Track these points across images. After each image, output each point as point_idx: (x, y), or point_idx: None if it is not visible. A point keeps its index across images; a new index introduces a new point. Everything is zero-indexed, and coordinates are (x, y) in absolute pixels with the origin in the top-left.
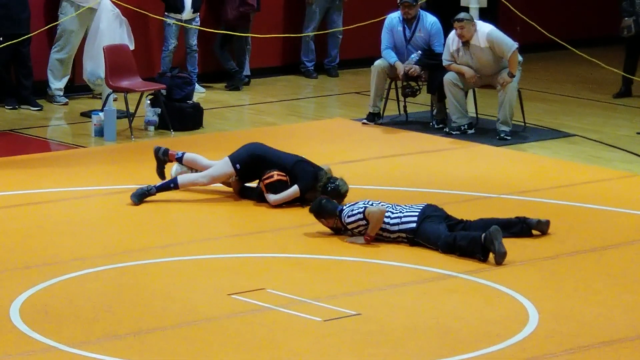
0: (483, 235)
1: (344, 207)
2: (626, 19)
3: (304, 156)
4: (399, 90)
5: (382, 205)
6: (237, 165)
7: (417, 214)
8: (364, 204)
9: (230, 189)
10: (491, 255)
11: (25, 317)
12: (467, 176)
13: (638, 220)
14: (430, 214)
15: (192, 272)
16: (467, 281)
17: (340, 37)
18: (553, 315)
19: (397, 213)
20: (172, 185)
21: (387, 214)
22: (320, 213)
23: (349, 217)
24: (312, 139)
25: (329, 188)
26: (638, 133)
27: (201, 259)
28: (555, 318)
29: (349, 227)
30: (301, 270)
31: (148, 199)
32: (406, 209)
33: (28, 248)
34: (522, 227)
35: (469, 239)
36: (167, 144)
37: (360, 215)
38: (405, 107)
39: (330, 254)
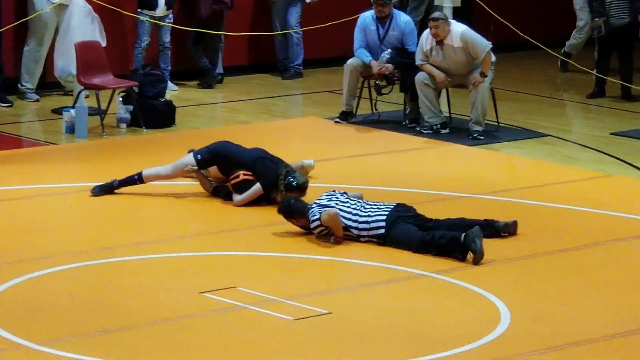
0: (464, 234)
1: (310, 207)
2: (596, 19)
3: (268, 152)
4: (372, 89)
5: (338, 199)
6: (198, 156)
7: (385, 216)
8: (319, 208)
9: (202, 189)
10: (469, 255)
11: None
12: (440, 175)
13: (610, 220)
14: (399, 215)
15: (163, 270)
16: (439, 281)
17: (296, 35)
18: (525, 315)
19: (364, 215)
20: (136, 177)
21: (354, 215)
22: (289, 213)
23: (311, 222)
24: (285, 137)
25: (286, 182)
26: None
27: (172, 257)
28: (527, 318)
29: (314, 231)
30: (272, 269)
31: (119, 196)
32: (374, 209)
33: None
34: (490, 231)
35: (449, 238)
36: (139, 141)
37: (318, 222)
38: (375, 105)
39: (301, 252)
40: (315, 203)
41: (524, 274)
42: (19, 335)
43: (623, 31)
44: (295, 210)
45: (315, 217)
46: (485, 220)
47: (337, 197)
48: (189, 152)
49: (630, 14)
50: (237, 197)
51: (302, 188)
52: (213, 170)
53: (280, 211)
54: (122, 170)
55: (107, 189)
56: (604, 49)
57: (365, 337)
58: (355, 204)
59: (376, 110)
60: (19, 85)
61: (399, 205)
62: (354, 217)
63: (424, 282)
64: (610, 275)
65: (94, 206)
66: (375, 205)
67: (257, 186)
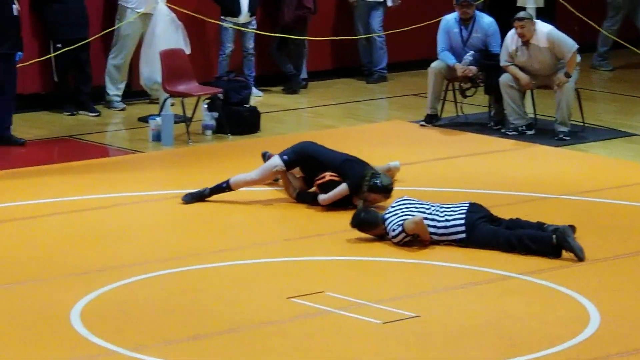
0: (554, 236)
1: (386, 216)
2: None
3: (355, 156)
4: (456, 92)
5: (412, 204)
6: (285, 157)
7: (462, 219)
8: (397, 219)
9: (286, 195)
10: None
11: (85, 321)
12: (526, 177)
13: None
14: (477, 218)
15: (251, 276)
16: (525, 282)
17: (379, 39)
18: (614, 316)
19: (442, 219)
20: (224, 185)
21: (432, 221)
22: (362, 226)
23: (393, 237)
24: (370, 141)
25: (371, 183)
26: None
27: (259, 263)
28: (617, 319)
29: (394, 240)
30: (359, 273)
31: (205, 203)
32: (449, 212)
33: (87, 253)
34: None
35: (537, 241)
36: (225, 148)
37: (404, 234)
38: (461, 107)
39: (387, 256)
40: (389, 213)
41: (612, 275)
42: (110, 341)
43: None
44: (368, 223)
45: (397, 228)
46: (537, 222)
47: (411, 204)
48: (263, 154)
49: None
50: (322, 196)
51: (386, 190)
52: (295, 172)
53: (353, 225)
54: (208, 177)
55: (198, 197)
56: None
57: (454, 340)
58: (430, 208)
59: (462, 112)
60: (105, 94)
61: (472, 206)
62: (431, 223)
63: (511, 283)
64: None
65: (181, 213)
66: (449, 207)
67: (344, 186)
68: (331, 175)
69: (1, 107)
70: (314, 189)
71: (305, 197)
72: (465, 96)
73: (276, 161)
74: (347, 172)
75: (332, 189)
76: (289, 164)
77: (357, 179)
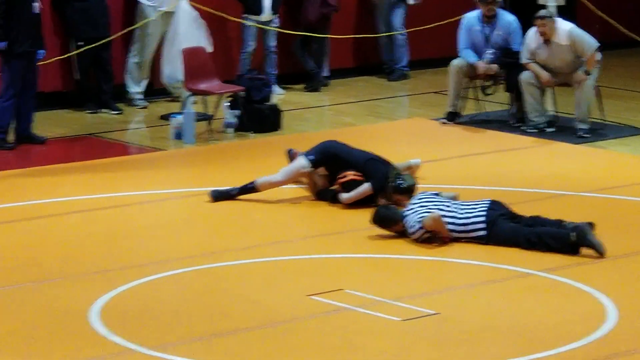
0: (574, 233)
1: (405, 213)
2: None
3: (379, 155)
4: (478, 89)
5: (432, 202)
6: (311, 156)
7: (483, 217)
8: (416, 215)
9: (306, 193)
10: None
11: (105, 320)
12: (546, 174)
13: None
14: (497, 215)
15: (270, 274)
16: (544, 279)
17: (401, 37)
18: (632, 312)
19: (462, 216)
20: (250, 186)
21: (452, 218)
22: (383, 222)
23: (412, 234)
24: (392, 138)
25: (395, 184)
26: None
27: (279, 261)
28: (635, 315)
29: (413, 237)
30: (379, 270)
31: (226, 201)
32: (470, 210)
33: (107, 251)
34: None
35: (557, 238)
36: (247, 146)
37: (422, 231)
38: (484, 105)
39: (406, 253)
40: (409, 209)
41: (630, 271)
42: (131, 340)
43: None
44: (388, 219)
45: (415, 225)
46: (557, 220)
47: (431, 201)
48: (287, 151)
49: None
50: (345, 195)
51: (410, 190)
52: (320, 171)
53: (373, 221)
54: (230, 175)
55: (225, 196)
56: None
57: (473, 337)
58: (449, 205)
59: (484, 109)
60: (127, 92)
61: (493, 203)
62: (451, 220)
63: (530, 280)
64: None
65: (202, 211)
66: (470, 204)
67: (367, 185)
68: (354, 175)
69: (22, 105)
70: (336, 186)
71: (325, 195)
72: (486, 94)
73: (302, 162)
74: (370, 171)
75: (355, 187)
76: (315, 164)
77: (380, 179)
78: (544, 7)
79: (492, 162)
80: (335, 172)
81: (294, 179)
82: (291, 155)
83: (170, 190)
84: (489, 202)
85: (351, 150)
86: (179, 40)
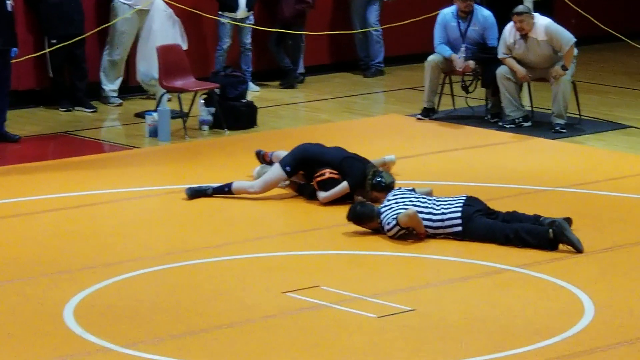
0: (551, 230)
1: (381, 210)
2: None
3: (355, 152)
4: (453, 85)
5: (408, 198)
6: (287, 168)
7: (459, 212)
8: (392, 212)
9: (283, 190)
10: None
11: (79, 318)
12: (522, 169)
13: None
14: (473, 211)
15: (246, 271)
16: (521, 275)
17: (376, 33)
18: (609, 307)
19: (438, 212)
20: (226, 189)
21: (428, 214)
22: (359, 219)
23: (388, 231)
24: (367, 135)
25: (374, 181)
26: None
27: (255, 258)
28: (611, 310)
29: (389, 234)
30: (355, 267)
31: (201, 198)
32: (446, 205)
33: (81, 250)
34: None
35: (534, 234)
36: (222, 143)
37: (398, 227)
38: (466, 101)
39: (382, 250)
40: (385, 206)
41: (606, 267)
42: (106, 338)
43: None
44: (364, 216)
45: (391, 222)
46: (534, 215)
47: (406, 197)
48: (257, 153)
49: None
50: (322, 194)
51: (390, 188)
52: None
53: (349, 218)
54: (206, 172)
55: (201, 194)
56: None
57: (450, 333)
58: (426, 201)
59: (468, 105)
60: (101, 90)
61: (469, 199)
62: (427, 216)
63: (506, 276)
64: None
65: (176, 209)
66: (446, 200)
67: (344, 184)
68: (331, 173)
69: None
70: (313, 184)
71: (304, 190)
72: (468, 92)
73: (279, 174)
74: (347, 170)
75: (332, 186)
76: (292, 173)
77: (357, 177)
78: (521, 2)
79: (468, 158)
80: (312, 172)
81: (270, 189)
82: (261, 157)
83: (146, 187)
84: (464, 197)
85: (326, 150)
86: (154, 37)
